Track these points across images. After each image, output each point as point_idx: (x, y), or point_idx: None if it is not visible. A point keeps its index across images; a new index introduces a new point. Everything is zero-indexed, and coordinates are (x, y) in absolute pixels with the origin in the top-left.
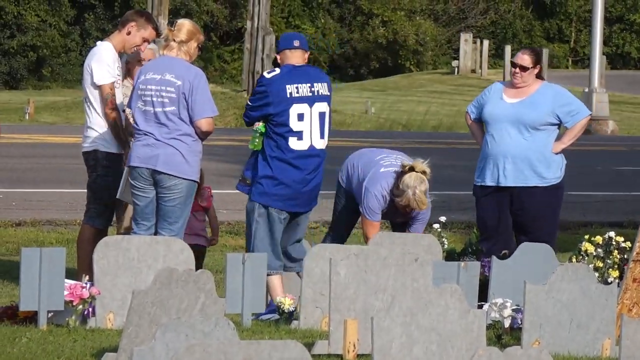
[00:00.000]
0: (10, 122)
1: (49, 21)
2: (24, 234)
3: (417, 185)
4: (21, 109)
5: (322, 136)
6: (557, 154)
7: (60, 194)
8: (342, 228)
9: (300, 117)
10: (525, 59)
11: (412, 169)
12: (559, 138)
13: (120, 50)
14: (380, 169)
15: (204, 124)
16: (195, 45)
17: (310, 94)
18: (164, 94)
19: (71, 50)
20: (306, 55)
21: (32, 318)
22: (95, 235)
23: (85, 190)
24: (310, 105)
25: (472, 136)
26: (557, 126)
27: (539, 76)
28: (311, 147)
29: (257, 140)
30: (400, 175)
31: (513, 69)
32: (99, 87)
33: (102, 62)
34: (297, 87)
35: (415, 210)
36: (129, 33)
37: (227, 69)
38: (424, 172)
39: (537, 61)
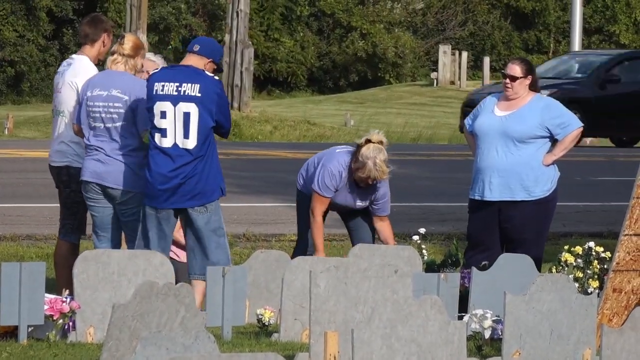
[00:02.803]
0: None
1: (27, 36)
2: (4, 248)
3: (376, 155)
4: (0, 124)
5: (186, 136)
6: (547, 166)
7: (40, 208)
8: (308, 234)
9: (163, 114)
10: (515, 69)
11: (369, 140)
12: (550, 150)
13: (95, 62)
14: (336, 149)
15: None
16: (141, 60)
17: (176, 93)
18: (112, 109)
19: (50, 65)
20: (205, 62)
21: (12, 333)
22: (71, 249)
23: None
24: (174, 104)
25: (470, 149)
26: (548, 139)
27: (534, 89)
28: (174, 145)
29: (147, 135)
30: (357, 149)
31: (504, 81)
32: None
33: (89, 78)
34: (163, 85)
35: (376, 180)
36: (104, 44)
37: None
38: (381, 142)
39: (528, 71)
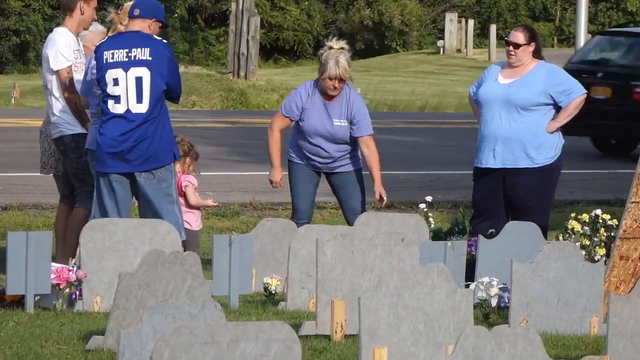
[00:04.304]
0: None
1: (33, 5)
2: (11, 218)
3: (338, 55)
4: (7, 93)
5: (139, 100)
6: (551, 133)
7: (46, 178)
8: (302, 202)
9: (115, 81)
10: (518, 36)
11: (330, 47)
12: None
13: (78, 31)
14: None
15: None
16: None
17: (126, 59)
18: None
19: None
20: (148, 23)
21: (19, 302)
22: (87, 216)
23: None
24: (125, 70)
25: (474, 116)
26: (552, 106)
27: (538, 56)
28: (127, 111)
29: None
30: (320, 57)
31: (507, 48)
32: (56, 73)
33: (56, 47)
34: (112, 53)
35: (337, 78)
36: (82, 12)
37: (213, 51)
38: (342, 48)
39: (531, 38)
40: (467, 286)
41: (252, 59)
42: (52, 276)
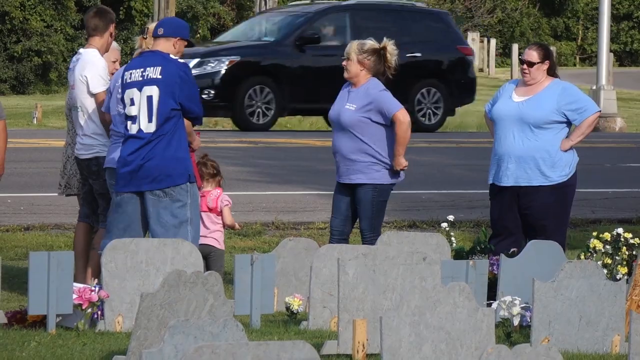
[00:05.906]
0: (18, 126)
1: (55, 26)
2: (33, 238)
3: (355, 40)
4: (29, 113)
5: (150, 120)
6: (565, 151)
7: (68, 198)
8: (333, 219)
9: (132, 101)
10: (532, 54)
11: None
12: (569, 135)
13: (104, 52)
14: None
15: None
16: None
17: (141, 79)
18: None
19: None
20: (173, 42)
21: (41, 322)
22: None
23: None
24: (140, 90)
25: (490, 134)
26: (565, 124)
27: (552, 74)
28: (139, 130)
29: None
30: None
31: (521, 66)
32: (94, 95)
33: (96, 70)
34: (130, 73)
35: (344, 55)
36: (111, 34)
37: None
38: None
39: (545, 56)
40: (489, 305)
41: None
42: (74, 296)
